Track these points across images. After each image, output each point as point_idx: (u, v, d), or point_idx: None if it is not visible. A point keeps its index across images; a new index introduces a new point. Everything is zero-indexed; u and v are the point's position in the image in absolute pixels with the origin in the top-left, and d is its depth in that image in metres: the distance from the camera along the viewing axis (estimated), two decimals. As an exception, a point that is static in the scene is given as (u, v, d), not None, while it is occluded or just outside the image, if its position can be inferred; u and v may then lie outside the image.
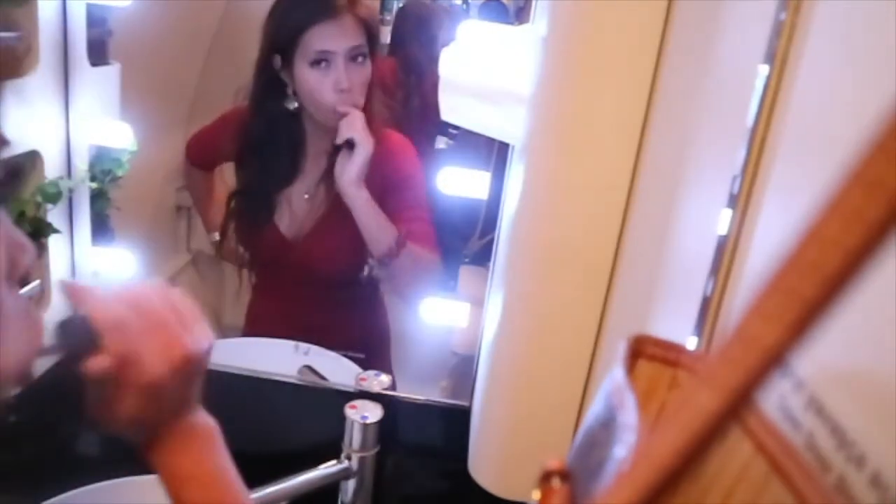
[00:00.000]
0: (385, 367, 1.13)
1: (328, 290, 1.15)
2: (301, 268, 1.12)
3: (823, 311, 0.15)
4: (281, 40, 0.98)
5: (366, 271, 1.10)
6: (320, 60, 0.97)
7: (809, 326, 0.15)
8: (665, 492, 0.18)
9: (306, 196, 1.09)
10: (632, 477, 0.18)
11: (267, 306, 1.18)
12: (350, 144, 0.98)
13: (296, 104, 1.02)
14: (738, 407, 0.16)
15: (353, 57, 0.98)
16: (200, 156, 1.17)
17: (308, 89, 0.99)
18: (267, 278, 1.17)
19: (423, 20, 1.12)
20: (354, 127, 0.97)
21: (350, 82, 0.98)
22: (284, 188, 1.09)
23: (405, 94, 1.10)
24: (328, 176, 1.04)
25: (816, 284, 0.14)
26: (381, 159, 1.01)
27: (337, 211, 1.05)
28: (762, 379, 0.16)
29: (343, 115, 0.98)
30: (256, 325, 1.18)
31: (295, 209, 1.10)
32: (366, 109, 1.00)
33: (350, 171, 0.98)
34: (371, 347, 1.14)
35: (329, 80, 0.97)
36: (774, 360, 0.15)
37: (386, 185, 1.04)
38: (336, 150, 1.01)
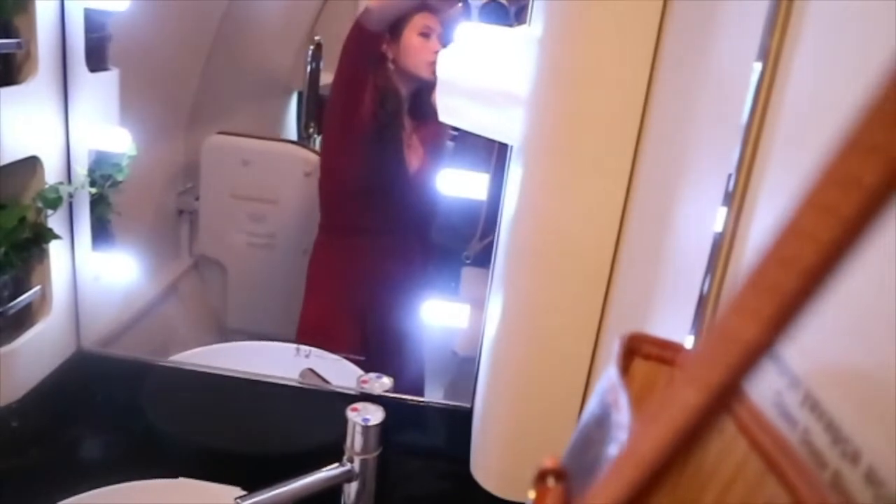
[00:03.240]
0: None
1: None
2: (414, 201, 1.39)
3: (802, 305, 0.15)
4: (398, 19, 1.35)
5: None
6: (427, 33, 1.35)
7: (788, 321, 0.15)
8: (650, 489, 0.18)
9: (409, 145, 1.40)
10: (616, 475, 0.18)
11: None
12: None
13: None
14: (720, 403, 0.16)
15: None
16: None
17: (414, 51, 1.35)
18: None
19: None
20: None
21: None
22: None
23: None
24: (418, 120, 1.36)
25: (793, 279, 0.14)
26: None
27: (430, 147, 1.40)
28: (743, 374, 0.16)
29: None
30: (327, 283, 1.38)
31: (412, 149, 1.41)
32: None
33: None
34: None
35: (429, 45, 1.35)
36: (755, 355, 0.15)
37: None
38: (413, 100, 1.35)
